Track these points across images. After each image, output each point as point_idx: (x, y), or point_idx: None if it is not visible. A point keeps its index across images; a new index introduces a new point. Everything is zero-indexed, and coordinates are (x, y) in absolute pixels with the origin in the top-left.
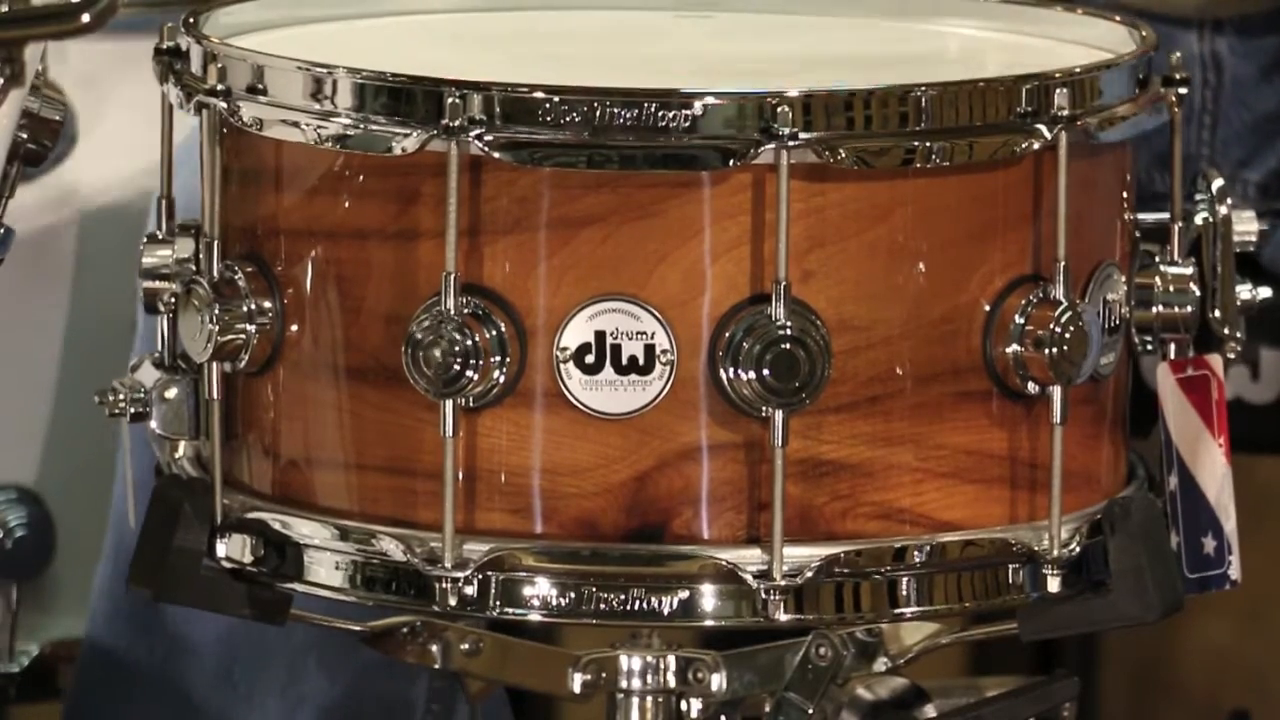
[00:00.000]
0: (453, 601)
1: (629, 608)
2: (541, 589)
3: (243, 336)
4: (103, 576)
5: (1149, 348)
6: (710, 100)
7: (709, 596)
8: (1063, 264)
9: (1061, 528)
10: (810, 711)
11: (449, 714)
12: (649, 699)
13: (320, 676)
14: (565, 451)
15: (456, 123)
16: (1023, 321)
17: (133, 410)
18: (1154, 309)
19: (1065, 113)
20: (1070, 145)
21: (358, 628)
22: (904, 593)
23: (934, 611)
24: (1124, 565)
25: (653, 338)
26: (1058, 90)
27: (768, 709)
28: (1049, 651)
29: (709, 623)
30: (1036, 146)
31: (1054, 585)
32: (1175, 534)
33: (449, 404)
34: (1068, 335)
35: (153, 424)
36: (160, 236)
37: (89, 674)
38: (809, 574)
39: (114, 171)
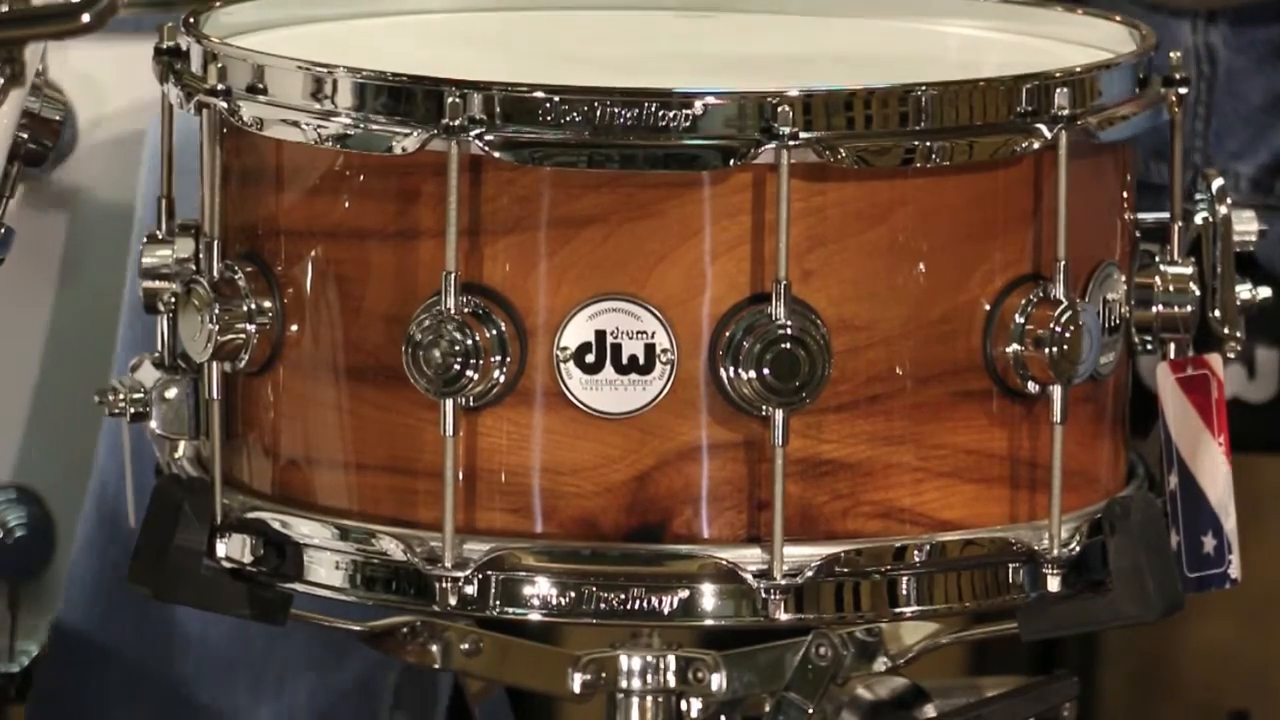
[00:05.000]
0: (453, 601)
1: (629, 607)
2: (541, 588)
3: (243, 336)
4: (79, 564)
5: (1149, 347)
6: (710, 100)
7: (709, 596)
8: (1063, 263)
9: (1061, 527)
10: (810, 711)
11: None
12: (649, 699)
13: (290, 677)
14: (565, 451)
15: (457, 122)
16: (1023, 321)
17: (133, 410)
18: (1154, 309)
19: (1065, 112)
20: (1070, 145)
21: (358, 628)
22: (904, 592)
23: (934, 611)
24: (1124, 565)
25: (653, 337)
26: (1058, 90)
27: (768, 709)
28: (1049, 651)
29: (709, 622)
30: (1036, 146)
31: (1054, 585)
32: (1175, 533)
33: (449, 403)
34: (1068, 335)
35: (153, 424)
36: (160, 236)
37: (59, 664)
38: (809, 573)
39: (113, 171)
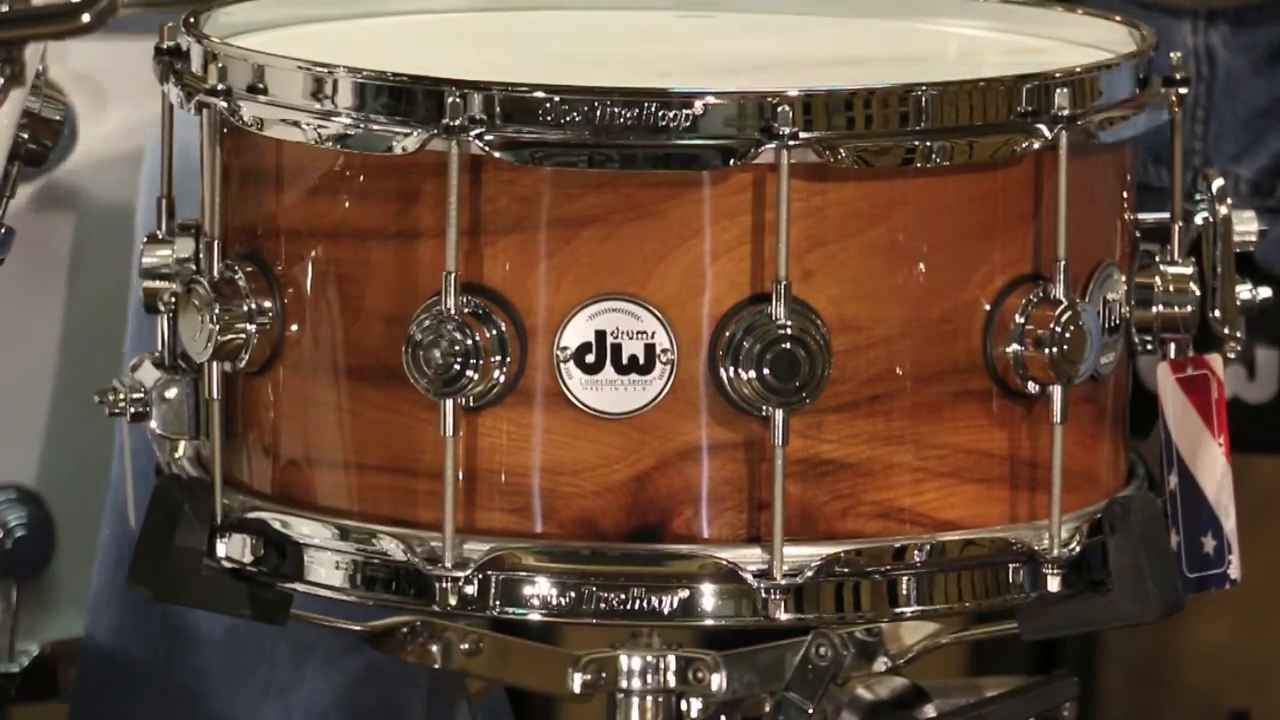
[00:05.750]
0: (453, 601)
1: (629, 607)
2: (541, 588)
3: (243, 336)
4: (101, 572)
5: (1149, 347)
6: (710, 100)
7: (709, 596)
8: (1063, 263)
9: (1061, 527)
10: (810, 711)
11: (449, 715)
12: (649, 699)
13: (320, 671)
14: (565, 451)
15: (457, 122)
16: (1023, 321)
17: (133, 410)
18: (1154, 309)
19: (1065, 112)
20: (1070, 145)
21: (358, 628)
22: (904, 592)
23: (934, 611)
24: (1124, 565)
25: (653, 337)
26: (1058, 90)
27: (768, 709)
28: (1049, 651)
29: (709, 622)
30: (1036, 146)
31: (1054, 585)
32: (1175, 533)
33: (449, 404)
34: (1068, 335)
35: (153, 424)
36: (160, 236)
37: (91, 671)
38: (809, 573)
39: (114, 171)
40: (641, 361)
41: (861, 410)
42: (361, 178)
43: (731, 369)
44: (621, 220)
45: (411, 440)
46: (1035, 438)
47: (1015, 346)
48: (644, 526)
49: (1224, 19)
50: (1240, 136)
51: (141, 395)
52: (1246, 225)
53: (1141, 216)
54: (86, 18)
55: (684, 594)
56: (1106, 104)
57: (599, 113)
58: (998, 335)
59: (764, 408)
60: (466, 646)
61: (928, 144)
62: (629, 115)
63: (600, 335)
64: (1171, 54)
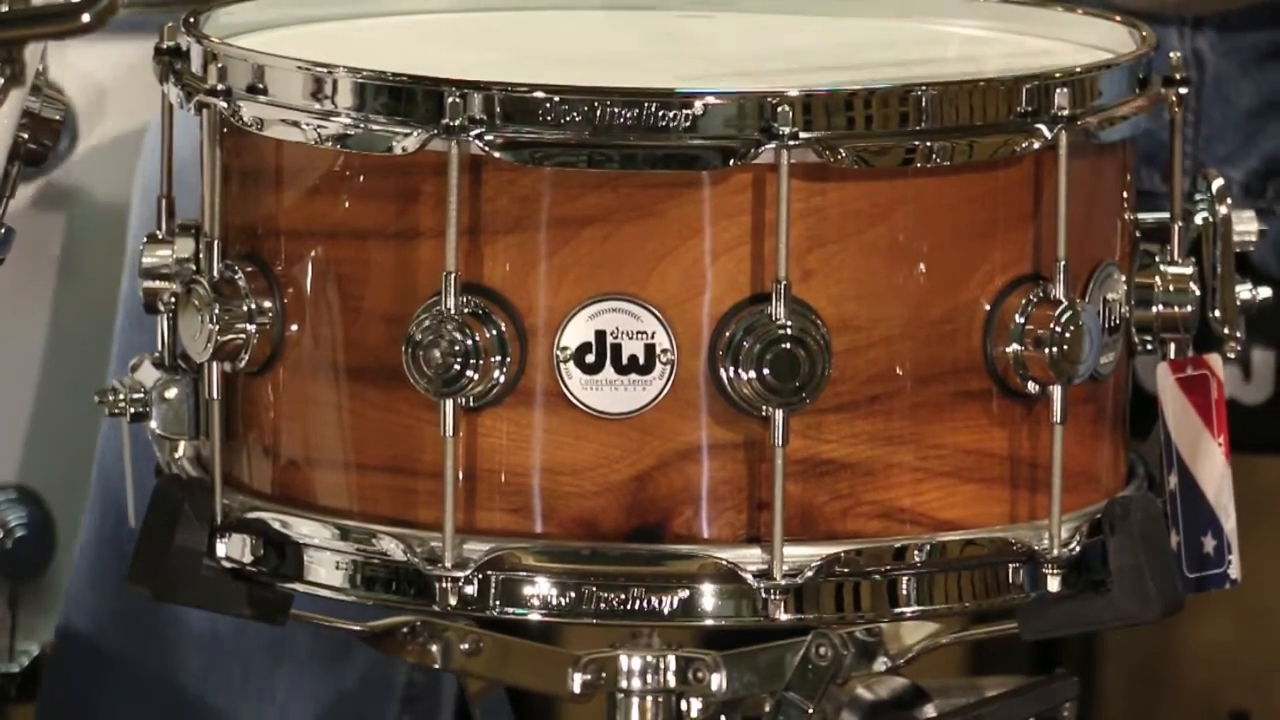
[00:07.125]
0: (453, 601)
1: (629, 607)
2: (541, 588)
3: (243, 336)
4: (81, 566)
5: (1149, 347)
6: (710, 100)
7: (709, 596)
8: (1063, 263)
9: (1061, 527)
10: (810, 711)
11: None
12: (649, 699)
13: (301, 675)
14: (565, 451)
15: (457, 122)
16: (1023, 321)
17: (133, 410)
18: (1154, 309)
19: (1065, 112)
20: (1070, 145)
21: (358, 628)
22: (904, 592)
23: (934, 611)
24: (1124, 565)
25: (653, 337)
26: (1058, 90)
27: (768, 709)
28: (1049, 651)
29: (709, 622)
30: (1037, 146)
31: (1054, 585)
32: (1175, 534)
33: (449, 404)
34: (1068, 335)
35: (153, 424)
36: (160, 236)
37: (66, 663)
38: (809, 573)
39: (114, 171)
40: (641, 361)
41: (861, 410)
42: (361, 178)
43: (731, 369)
44: (621, 220)
45: (411, 440)
46: (1035, 438)
47: (1015, 346)
48: (644, 526)
49: (1210, 23)
50: (1230, 138)
51: (141, 395)
52: (1246, 225)
53: (1141, 216)
54: (86, 18)
55: (684, 594)
56: (1106, 104)
57: (599, 113)
58: (998, 335)
59: (764, 408)
60: (466, 646)
61: (928, 144)
62: (629, 115)
63: (600, 335)
64: (1171, 54)
